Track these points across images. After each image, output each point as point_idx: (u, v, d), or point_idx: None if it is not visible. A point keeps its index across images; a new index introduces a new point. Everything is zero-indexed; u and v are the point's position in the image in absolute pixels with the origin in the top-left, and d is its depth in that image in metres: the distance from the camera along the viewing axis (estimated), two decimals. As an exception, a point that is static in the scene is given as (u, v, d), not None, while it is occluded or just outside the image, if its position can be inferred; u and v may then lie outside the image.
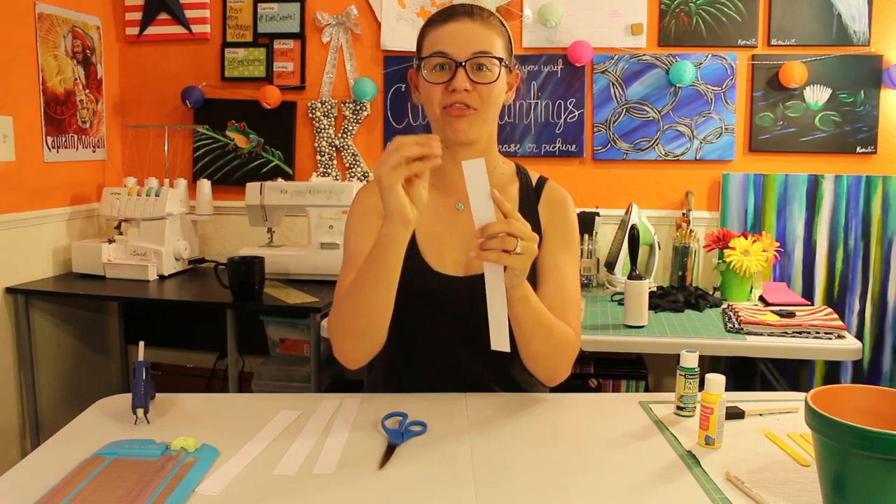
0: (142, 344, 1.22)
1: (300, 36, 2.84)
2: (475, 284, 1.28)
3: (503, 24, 1.32)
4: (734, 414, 1.20)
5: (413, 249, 1.32)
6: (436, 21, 1.29)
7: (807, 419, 0.86)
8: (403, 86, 2.77)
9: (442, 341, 1.33)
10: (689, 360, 1.20)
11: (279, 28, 2.84)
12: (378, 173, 1.05)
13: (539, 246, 1.33)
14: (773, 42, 2.60)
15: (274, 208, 2.56)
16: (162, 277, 2.57)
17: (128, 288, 2.45)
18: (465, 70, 1.24)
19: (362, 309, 1.18)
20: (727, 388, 1.10)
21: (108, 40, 2.89)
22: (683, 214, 2.66)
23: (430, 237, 1.33)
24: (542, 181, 1.41)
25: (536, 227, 1.35)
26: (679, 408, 1.22)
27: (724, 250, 2.35)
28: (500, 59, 1.26)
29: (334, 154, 2.87)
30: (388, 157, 1.04)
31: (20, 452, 2.48)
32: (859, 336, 2.58)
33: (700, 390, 1.13)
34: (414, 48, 1.36)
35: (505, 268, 1.08)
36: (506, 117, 2.75)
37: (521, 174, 1.41)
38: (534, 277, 1.33)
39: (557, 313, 1.29)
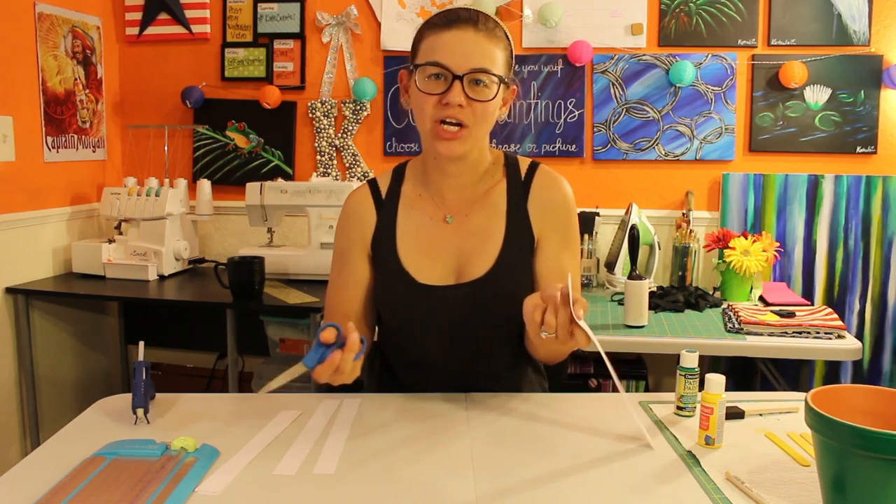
0: (142, 344, 1.22)
1: (300, 36, 2.84)
2: (465, 292, 1.27)
3: (507, 37, 1.24)
4: (734, 414, 1.20)
5: (396, 265, 1.29)
6: (436, 25, 1.20)
7: (807, 419, 0.86)
8: (403, 86, 2.77)
9: (437, 349, 1.31)
10: (689, 360, 1.20)
11: (279, 28, 2.84)
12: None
13: (534, 247, 1.31)
14: (773, 42, 2.60)
15: (274, 208, 2.56)
16: (162, 277, 2.57)
17: (128, 288, 2.44)
18: (461, 84, 1.17)
19: None
20: (727, 388, 1.10)
21: (108, 40, 2.89)
22: (683, 214, 2.66)
23: (414, 250, 1.29)
24: (531, 172, 1.31)
25: (526, 228, 1.28)
26: (679, 408, 1.22)
27: (724, 250, 2.35)
28: (500, 77, 1.20)
29: (334, 154, 2.87)
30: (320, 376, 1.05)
31: (20, 452, 2.48)
32: (859, 336, 2.58)
33: (700, 390, 1.13)
34: None
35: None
36: (505, 117, 2.74)
37: (509, 167, 1.32)
38: (534, 280, 1.30)
39: None
